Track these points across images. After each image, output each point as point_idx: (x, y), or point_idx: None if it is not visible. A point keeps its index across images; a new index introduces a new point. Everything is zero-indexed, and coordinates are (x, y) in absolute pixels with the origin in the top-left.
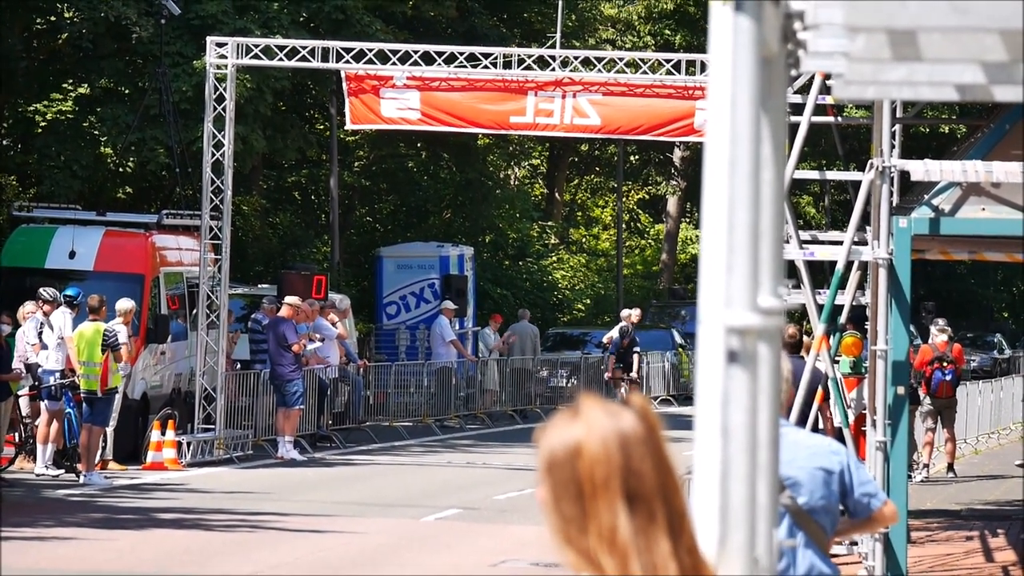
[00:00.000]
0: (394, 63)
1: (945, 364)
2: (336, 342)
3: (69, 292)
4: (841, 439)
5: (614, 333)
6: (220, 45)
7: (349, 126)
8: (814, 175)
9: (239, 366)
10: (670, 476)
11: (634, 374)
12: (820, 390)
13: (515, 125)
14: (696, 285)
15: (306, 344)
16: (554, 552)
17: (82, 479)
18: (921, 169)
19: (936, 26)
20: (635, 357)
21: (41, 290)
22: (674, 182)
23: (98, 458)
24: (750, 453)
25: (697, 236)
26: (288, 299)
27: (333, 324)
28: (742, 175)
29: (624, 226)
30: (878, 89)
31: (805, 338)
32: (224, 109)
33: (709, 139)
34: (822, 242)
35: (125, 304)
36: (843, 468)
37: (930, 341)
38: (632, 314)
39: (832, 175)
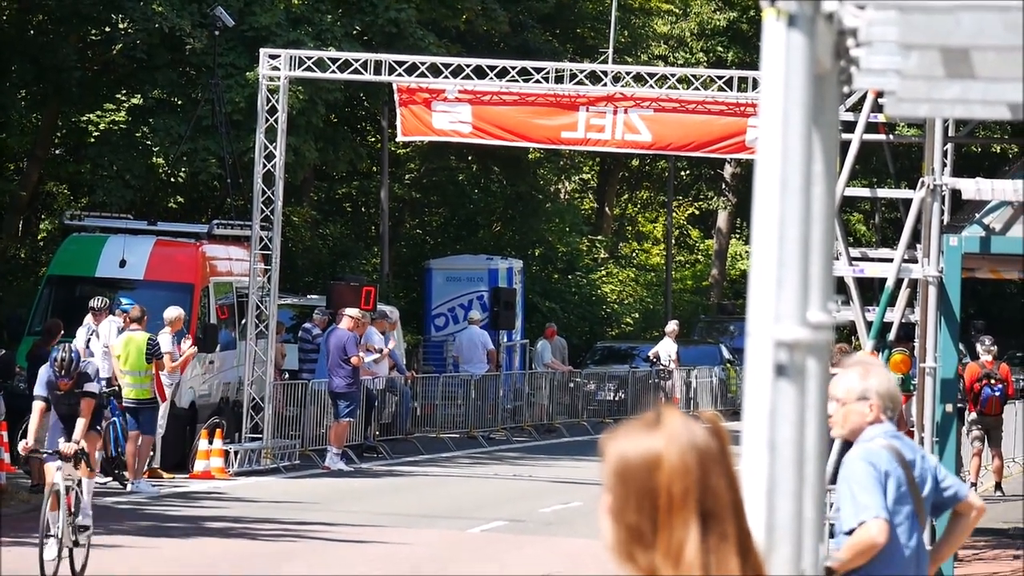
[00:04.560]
0: (446, 76)
1: (993, 381)
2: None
3: (123, 303)
4: None
5: (659, 348)
6: (273, 57)
7: (401, 138)
8: (865, 192)
9: (287, 376)
10: (739, 494)
11: (74, 443)
12: None
13: (567, 140)
14: (745, 301)
15: (364, 357)
16: (611, 563)
17: (129, 487)
18: (972, 188)
19: (990, 44)
20: (84, 406)
21: (92, 300)
22: (724, 197)
23: (145, 467)
24: (797, 467)
25: (747, 252)
26: (349, 311)
27: (383, 333)
28: (793, 190)
29: (674, 241)
30: (931, 107)
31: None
32: (276, 120)
33: (761, 154)
34: (872, 259)
35: (171, 312)
36: None
37: (979, 360)
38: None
39: (883, 193)
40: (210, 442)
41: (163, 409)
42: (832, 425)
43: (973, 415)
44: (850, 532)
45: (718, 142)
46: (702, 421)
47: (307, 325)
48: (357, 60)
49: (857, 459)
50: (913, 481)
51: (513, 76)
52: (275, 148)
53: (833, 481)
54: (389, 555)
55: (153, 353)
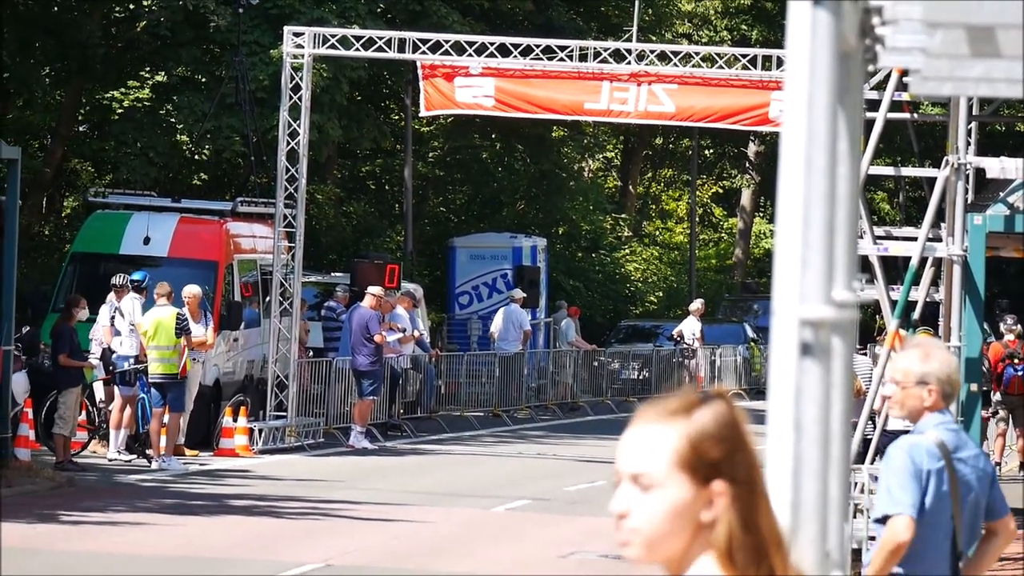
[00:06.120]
0: (470, 54)
1: (1016, 361)
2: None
3: (135, 276)
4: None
5: (683, 327)
6: (297, 35)
7: (424, 112)
8: (889, 171)
9: (312, 354)
10: None
11: None
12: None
13: (589, 111)
14: (769, 279)
15: (387, 336)
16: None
17: (155, 464)
18: (997, 166)
19: (1014, 23)
20: None
21: (114, 277)
22: (748, 176)
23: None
24: (823, 447)
25: (771, 230)
26: (372, 289)
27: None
28: (818, 170)
29: (697, 219)
30: (955, 85)
31: None
32: (300, 98)
33: (785, 133)
34: (896, 238)
35: (188, 290)
36: None
37: (1002, 339)
38: None
39: (907, 171)
40: (234, 420)
41: (192, 387)
42: (891, 407)
43: (997, 395)
44: (880, 520)
45: (741, 114)
46: (716, 395)
47: (330, 303)
48: (381, 38)
49: (900, 450)
50: (956, 481)
51: (537, 54)
52: (299, 126)
53: (861, 460)
54: (413, 533)
55: (182, 328)
